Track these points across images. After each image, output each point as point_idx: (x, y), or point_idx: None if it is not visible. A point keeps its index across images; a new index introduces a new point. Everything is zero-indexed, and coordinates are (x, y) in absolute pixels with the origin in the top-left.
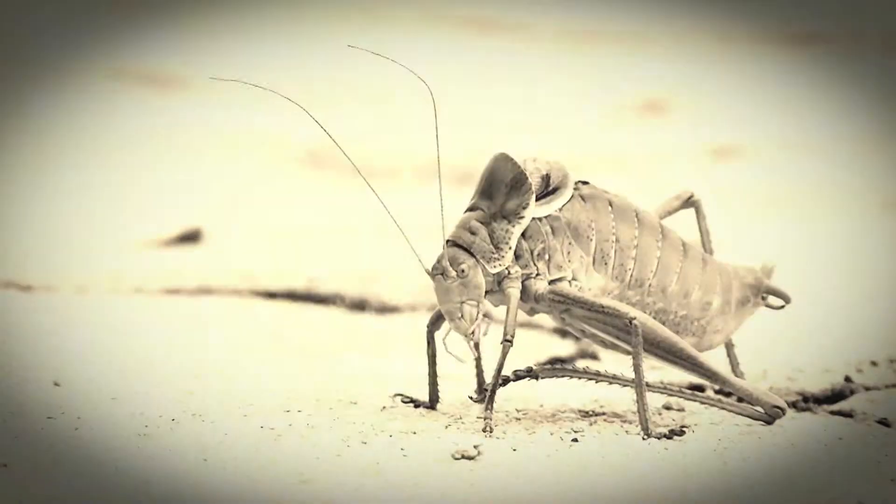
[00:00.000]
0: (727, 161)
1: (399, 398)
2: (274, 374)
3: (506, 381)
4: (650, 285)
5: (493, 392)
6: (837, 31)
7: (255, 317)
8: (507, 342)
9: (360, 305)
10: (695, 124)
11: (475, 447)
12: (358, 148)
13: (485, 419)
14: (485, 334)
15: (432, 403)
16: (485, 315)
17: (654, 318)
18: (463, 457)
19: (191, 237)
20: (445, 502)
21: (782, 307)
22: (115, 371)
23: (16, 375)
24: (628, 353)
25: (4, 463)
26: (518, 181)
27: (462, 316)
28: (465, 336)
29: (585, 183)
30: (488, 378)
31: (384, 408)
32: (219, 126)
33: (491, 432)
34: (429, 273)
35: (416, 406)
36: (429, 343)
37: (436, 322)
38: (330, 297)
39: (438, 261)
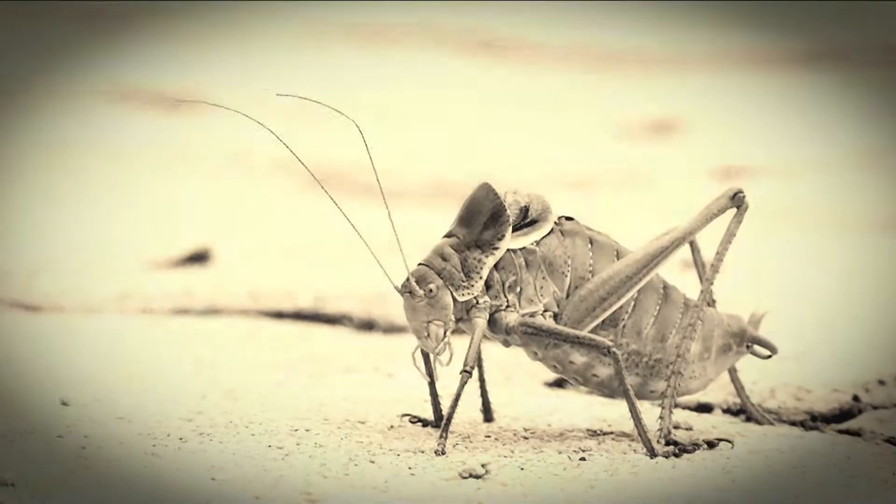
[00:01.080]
0: (737, 181)
1: (407, 418)
2: (282, 393)
3: (695, 447)
4: (624, 326)
5: (449, 421)
6: (848, 50)
7: (263, 337)
8: (466, 373)
9: (367, 325)
10: (703, 144)
11: (483, 466)
12: (363, 165)
13: (437, 444)
14: (447, 363)
15: (438, 421)
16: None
17: (627, 359)
18: (471, 475)
19: (199, 257)
20: None
21: (769, 357)
22: (122, 390)
23: (24, 395)
24: (601, 392)
25: (12, 482)
26: (497, 213)
27: (428, 335)
28: (432, 355)
29: (570, 219)
30: (493, 398)
31: (392, 427)
32: (226, 145)
33: (444, 454)
34: (397, 290)
35: (424, 425)
36: (425, 363)
37: None
38: (338, 316)
39: (407, 279)
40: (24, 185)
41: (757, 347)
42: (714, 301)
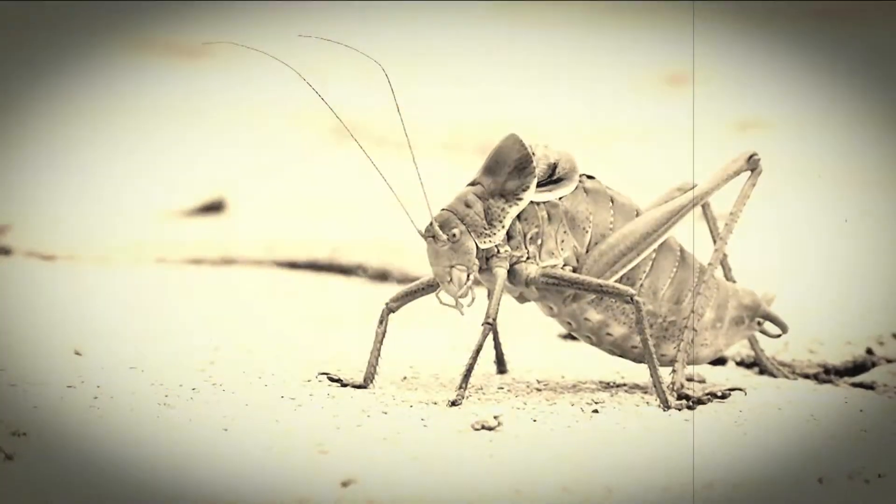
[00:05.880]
0: (752, 134)
1: (325, 377)
2: (295, 344)
3: (708, 399)
4: (642, 286)
5: (469, 373)
6: (865, 5)
7: (277, 287)
8: (488, 325)
9: (382, 276)
10: (719, 97)
11: (495, 418)
12: (386, 118)
13: (457, 396)
14: (470, 304)
15: (366, 382)
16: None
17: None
18: (483, 427)
19: (214, 207)
20: (465, 472)
21: (778, 336)
22: (135, 341)
23: (37, 344)
24: (612, 351)
25: (24, 432)
26: (522, 163)
27: (451, 280)
28: (455, 299)
29: (591, 177)
30: (506, 350)
31: (405, 378)
32: (243, 96)
33: (459, 405)
34: (421, 235)
35: (343, 386)
36: (381, 321)
37: (399, 300)
38: (352, 267)
39: (430, 224)
40: (38, 136)
41: (768, 325)
42: (734, 279)
